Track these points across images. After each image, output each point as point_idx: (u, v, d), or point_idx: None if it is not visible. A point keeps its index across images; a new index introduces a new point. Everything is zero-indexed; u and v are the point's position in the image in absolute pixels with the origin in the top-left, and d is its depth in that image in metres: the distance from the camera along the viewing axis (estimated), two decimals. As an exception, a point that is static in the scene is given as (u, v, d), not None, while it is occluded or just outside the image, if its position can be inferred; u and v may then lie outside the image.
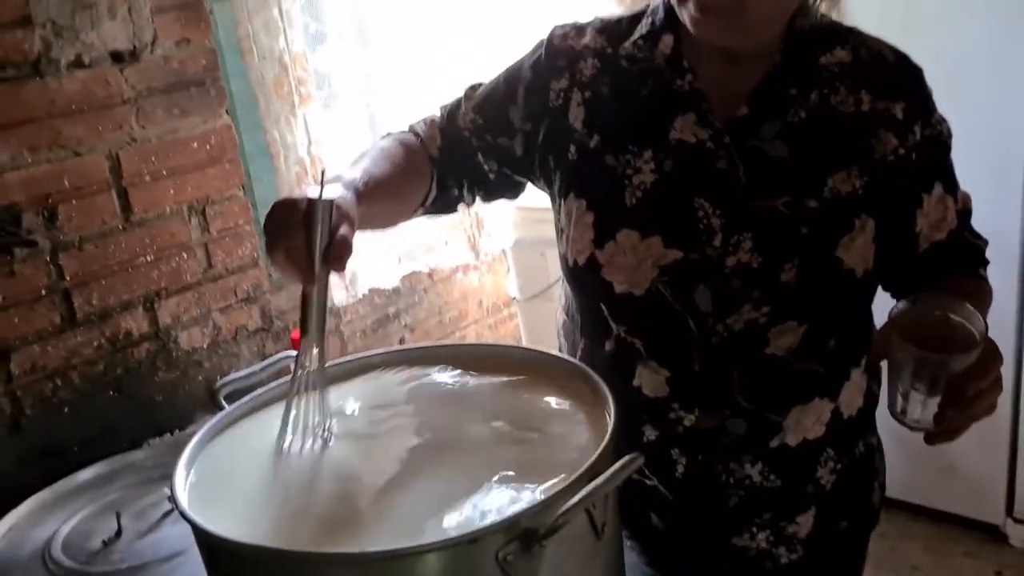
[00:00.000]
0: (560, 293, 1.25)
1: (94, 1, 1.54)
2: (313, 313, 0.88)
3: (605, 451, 0.83)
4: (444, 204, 1.17)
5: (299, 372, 0.91)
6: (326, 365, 0.94)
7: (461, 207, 1.21)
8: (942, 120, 1.08)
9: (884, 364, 1.00)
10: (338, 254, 0.86)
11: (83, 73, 1.55)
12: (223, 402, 1.07)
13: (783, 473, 1.10)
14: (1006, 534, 2.40)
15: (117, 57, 1.58)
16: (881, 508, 1.24)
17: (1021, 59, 2.04)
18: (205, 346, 1.76)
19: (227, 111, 1.74)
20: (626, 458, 0.80)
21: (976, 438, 2.40)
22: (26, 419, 1.54)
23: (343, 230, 0.87)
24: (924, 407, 0.91)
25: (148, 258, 1.66)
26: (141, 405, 1.67)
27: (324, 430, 0.95)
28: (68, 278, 1.57)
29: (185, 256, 1.71)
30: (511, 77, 1.13)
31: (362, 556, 0.76)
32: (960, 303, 0.92)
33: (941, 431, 0.94)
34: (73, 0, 1.52)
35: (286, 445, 0.93)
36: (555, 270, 2.02)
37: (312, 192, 0.88)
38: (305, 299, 0.88)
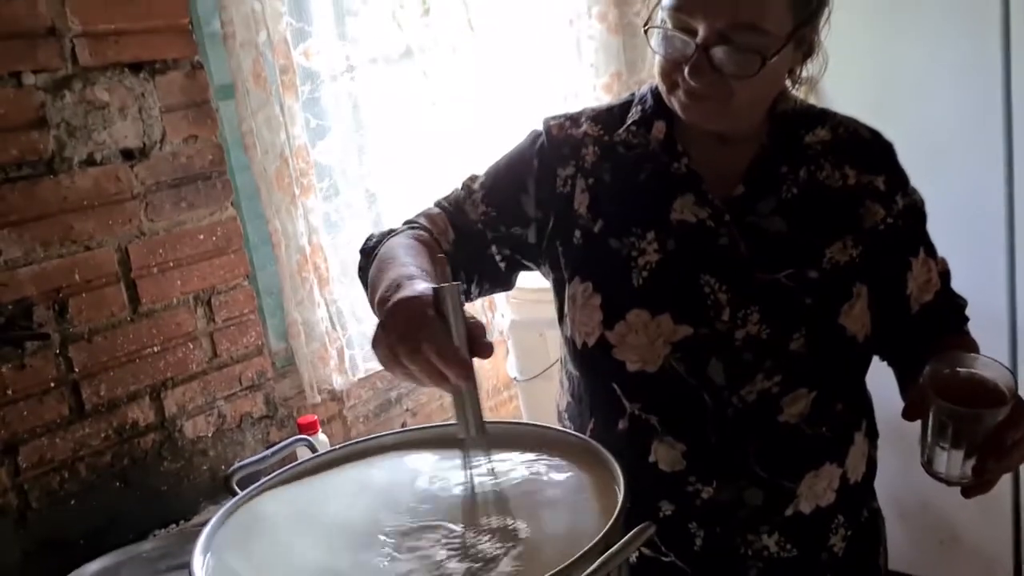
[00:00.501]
0: (560, 377, 1.28)
1: (106, 102, 1.61)
2: (472, 408, 0.84)
3: (616, 523, 0.84)
4: None
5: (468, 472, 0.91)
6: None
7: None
8: (915, 190, 1.15)
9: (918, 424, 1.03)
10: (481, 337, 0.83)
11: (95, 170, 1.60)
12: (236, 487, 1.08)
13: (799, 542, 1.12)
14: (1016, 604, 2.38)
15: (128, 154, 1.64)
16: (887, 571, 1.25)
17: (987, 134, 2.14)
18: (210, 435, 1.77)
19: (233, 203, 1.79)
20: (639, 527, 0.81)
21: (978, 508, 2.43)
22: (32, 512, 1.54)
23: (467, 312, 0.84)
24: (963, 464, 0.95)
25: (155, 348, 1.69)
26: (147, 495, 1.67)
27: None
28: (77, 370, 1.59)
29: (191, 346, 1.74)
30: (515, 167, 1.16)
31: None
32: (986, 361, 0.97)
33: (980, 483, 0.97)
34: (86, 102, 1.58)
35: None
36: (555, 350, 2.05)
37: (425, 286, 0.85)
38: (459, 398, 0.84)
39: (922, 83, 2.22)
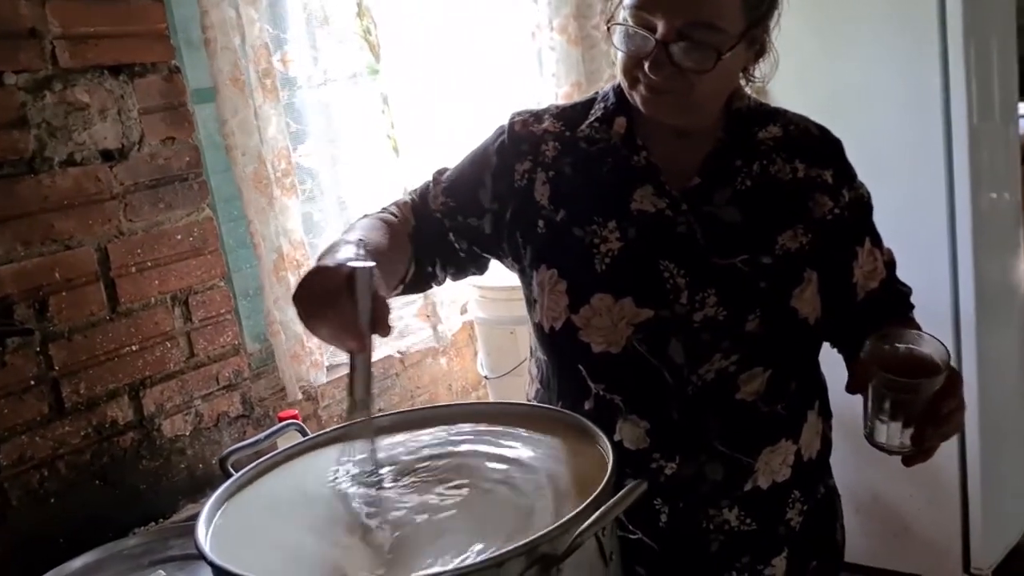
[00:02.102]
0: (528, 367, 1.33)
1: (86, 103, 1.63)
2: (362, 376, 0.92)
3: (608, 482, 0.90)
4: (419, 281, 1.23)
5: (350, 426, 0.97)
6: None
7: (434, 284, 1.27)
8: (862, 184, 1.23)
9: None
10: (383, 318, 0.90)
11: (75, 170, 1.62)
12: (231, 469, 1.10)
13: (758, 516, 1.18)
14: (965, 589, 2.48)
15: (107, 155, 1.66)
16: (844, 547, 1.32)
17: (927, 138, 2.27)
18: (188, 434, 1.78)
19: (209, 204, 1.81)
20: (632, 483, 0.87)
21: (927, 499, 2.54)
22: (12, 511, 1.54)
23: (381, 292, 0.92)
24: (902, 433, 1.02)
25: (133, 347, 1.70)
26: (126, 494, 1.68)
27: (376, 477, 0.99)
28: (56, 368, 1.60)
29: (169, 345, 1.75)
30: (477, 161, 1.23)
31: None
32: (921, 336, 1.04)
33: (920, 451, 1.04)
34: (66, 103, 1.60)
35: (340, 488, 0.98)
36: (525, 347, 2.10)
37: (347, 260, 0.92)
38: (353, 365, 0.91)
39: (865, 90, 2.34)
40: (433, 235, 1.21)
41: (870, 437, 1.04)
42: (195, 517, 0.95)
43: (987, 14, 2.32)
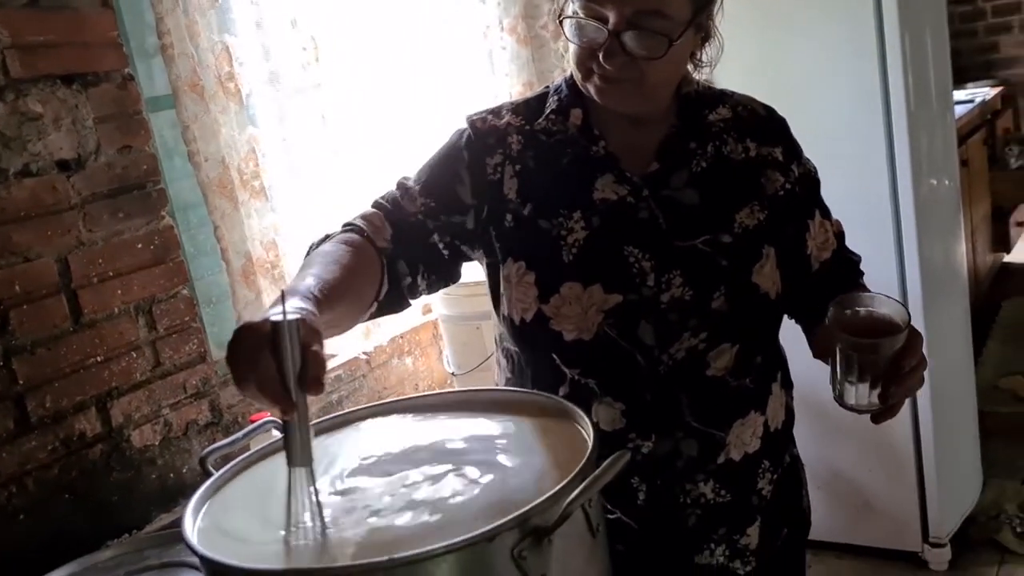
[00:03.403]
0: (496, 358, 1.35)
1: (40, 113, 1.61)
2: (297, 441, 0.84)
3: (591, 455, 0.92)
4: (395, 297, 1.18)
5: (291, 498, 0.88)
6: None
7: (411, 301, 1.22)
8: (809, 160, 1.28)
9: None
10: (314, 374, 0.83)
11: (31, 181, 1.60)
12: (211, 468, 1.10)
13: (732, 487, 1.22)
14: (925, 560, 2.56)
15: (63, 165, 1.64)
16: (810, 514, 1.37)
17: (869, 126, 2.35)
18: (157, 443, 1.77)
19: (168, 212, 1.80)
20: (615, 455, 0.89)
21: (885, 474, 2.62)
22: (-20, 529, 1.52)
23: (314, 347, 0.84)
24: (869, 392, 1.06)
25: (99, 358, 1.68)
26: (97, 507, 1.66)
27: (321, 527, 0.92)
28: (21, 382, 1.57)
29: (134, 355, 1.74)
30: (447, 161, 1.22)
31: (389, 562, 0.78)
32: (879, 297, 1.09)
33: (886, 408, 1.08)
34: (19, 113, 1.58)
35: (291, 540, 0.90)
36: (491, 342, 2.12)
37: (273, 313, 0.85)
38: (287, 427, 0.84)
39: (807, 81, 2.41)
40: (414, 239, 1.18)
41: (840, 399, 1.09)
42: (170, 526, 0.94)
43: (920, 6, 2.41)
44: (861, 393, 1.06)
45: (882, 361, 1.05)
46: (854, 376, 1.06)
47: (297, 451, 0.85)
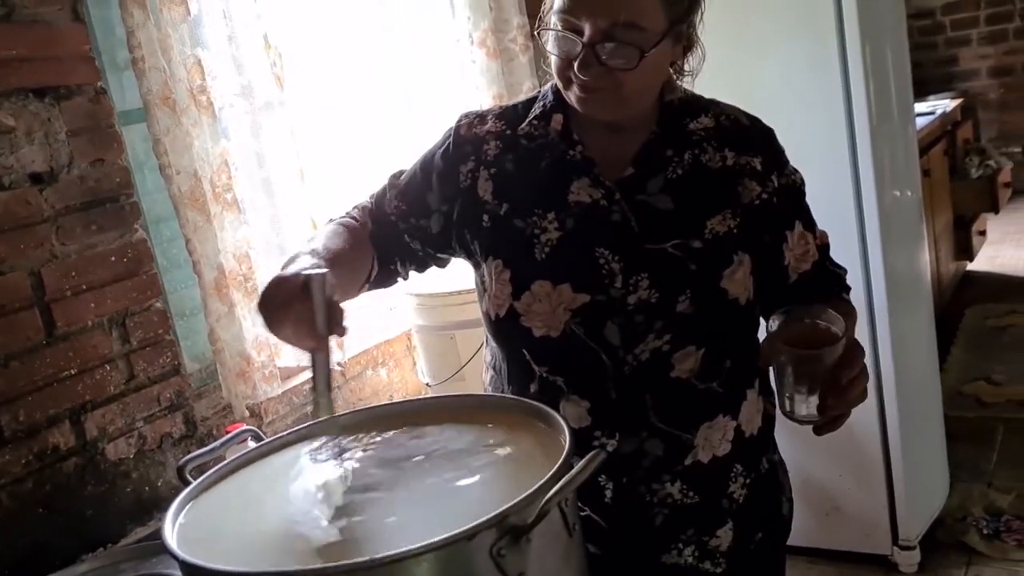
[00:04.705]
0: (484, 354, 1.38)
1: (12, 127, 1.61)
2: (323, 372, 1.01)
3: (567, 454, 0.94)
4: (384, 278, 1.31)
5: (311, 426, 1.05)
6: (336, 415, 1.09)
7: (400, 280, 1.35)
8: (795, 171, 1.30)
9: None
10: (339, 319, 0.99)
11: (4, 194, 1.59)
12: (189, 477, 1.11)
13: (700, 489, 1.23)
14: (895, 562, 2.59)
15: (36, 178, 1.64)
16: (791, 521, 1.38)
17: (833, 139, 2.40)
18: (132, 456, 1.76)
19: (141, 226, 1.80)
20: (591, 454, 0.91)
21: (854, 479, 2.65)
22: (-47, 545, 1.51)
23: (336, 297, 1.01)
24: (808, 403, 1.07)
25: (72, 371, 1.67)
26: (72, 521, 1.65)
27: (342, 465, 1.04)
28: (-6, 397, 1.57)
29: (108, 368, 1.73)
30: (425, 166, 1.29)
31: (370, 562, 0.80)
32: (823, 310, 1.10)
33: (827, 421, 1.10)
34: (-8, 127, 1.58)
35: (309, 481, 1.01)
36: (466, 351, 2.14)
37: (304, 268, 1.01)
38: (314, 363, 1.00)
39: (773, 95, 2.43)
40: (390, 237, 1.28)
41: (782, 408, 1.11)
42: (145, 539, 0.97)
43: (880, 22, 2.47)
44: (800, 403, 1.07)
45: (820, 371, 1.06)
46: (791, 386, 1.08)
47: (322, 382, 1.02)
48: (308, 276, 0.99)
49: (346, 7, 2.50)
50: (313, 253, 1.11)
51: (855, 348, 1.10)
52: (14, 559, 1.56)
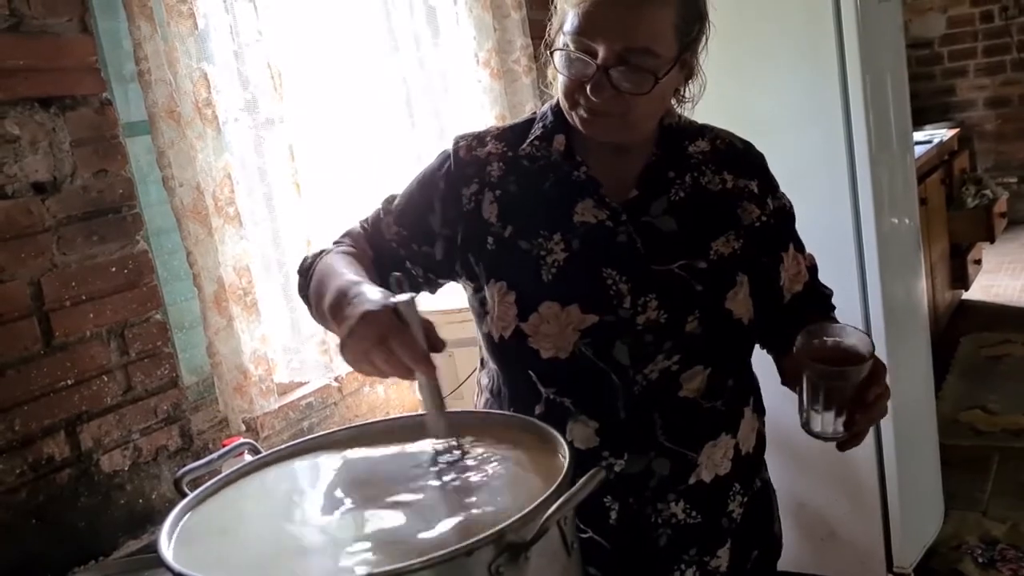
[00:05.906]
0: (478, 379, 1.38)
1: (17, 136, 1.61)
2: (433, 392, 1.02)
3: (566, 475, 0.94)
4: None
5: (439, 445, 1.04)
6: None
7: None
8: (784, 195, 1.33)
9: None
10: (435, 336, 1.00)
11: (6, 203, 1.59)
12: (186, 489, 1.11)
13: (702, 508, 1.25)
14: (889, 589, 2.59)
15: (39, 188, 1.64)
16: (781, 539, 1.40)
17: (833, 167, 2.43)
18: (126, 468, 1.75)
19: (143, 237, 1.81)
20: (591, 472, 0.92)
21: (849, 505, 2.65)
22: (-56, 554, 1.49)
23: (425, 318, 1.01)
24: (835, 420, 1.10)
25: (69, 382, 1.67)
26: (64, 533, 1.63)
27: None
28: (-10, 406, 1.56)
29: (105, 379, 1.73)
30: (425, 188, 1.28)
31: None
32: (846, 328, 1.13)
33: (851, 436, 1.12)
34: (-4, 135, 1.59)
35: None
36: (464, 369, 2.14)
37: (382, 299, 1.00)
38: (422, 385, 1.01)
39: (775, 123, 2.46)
40: (391, 264, 1.24)
41: (806, 426, 1.12)
42: (138, 552, 0.96)
43: (880, 54, 2.50)
44: (827, 421, 1.10)
45: (847, 390, 1.08)
46: (820, 404, 1.09)
47: (434, 401, 1.02)
48: (397, 303, 0.98)
49: (349, 25, 2.51)
50: (364, 282, 1.08)
51: (879, 366, 1.12)
52: (5, 571, 1.54)
